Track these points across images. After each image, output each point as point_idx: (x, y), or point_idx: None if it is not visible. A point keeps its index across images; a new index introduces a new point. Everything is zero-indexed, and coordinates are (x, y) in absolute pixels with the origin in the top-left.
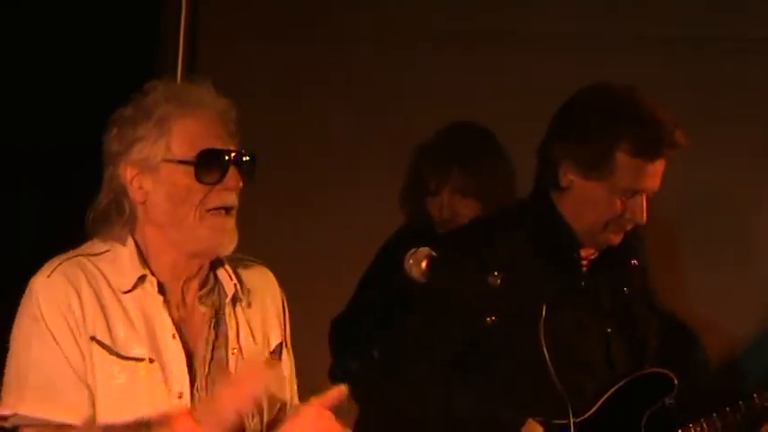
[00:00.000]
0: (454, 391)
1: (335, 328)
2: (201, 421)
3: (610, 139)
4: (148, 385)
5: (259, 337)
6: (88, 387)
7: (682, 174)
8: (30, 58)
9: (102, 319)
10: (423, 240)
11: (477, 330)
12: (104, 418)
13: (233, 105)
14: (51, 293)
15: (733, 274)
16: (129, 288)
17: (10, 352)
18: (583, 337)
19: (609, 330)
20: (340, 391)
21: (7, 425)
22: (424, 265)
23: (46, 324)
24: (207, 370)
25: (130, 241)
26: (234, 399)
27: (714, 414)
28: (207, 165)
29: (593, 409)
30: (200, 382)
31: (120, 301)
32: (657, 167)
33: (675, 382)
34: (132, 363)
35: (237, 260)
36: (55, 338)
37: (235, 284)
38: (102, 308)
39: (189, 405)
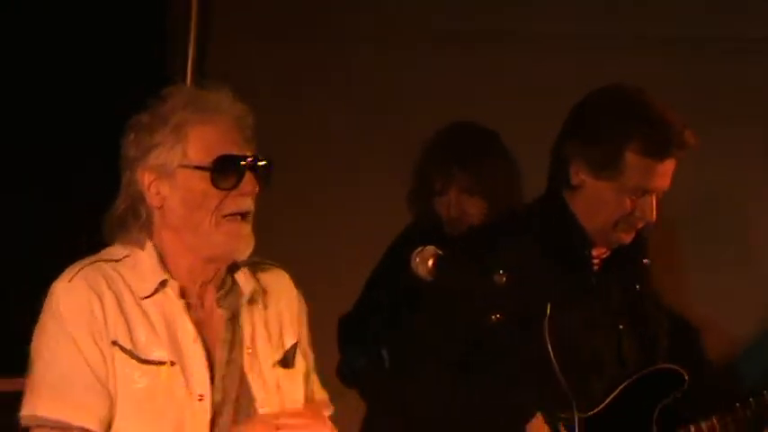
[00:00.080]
0: (459, 389)
1: (343, 327)
2: None
3: (620, 138)
4: (169, 388)
5: (275, 338)
6: (107, 390)
7: (682, 173)
8: (30, 58)
9: (123, 324)
10: (430, 240)
11: (482, 328)
12: (126, 421)
13: (249, 111)
14: (72, 298)
15: (733, 274)
16: (151, 293)
17: (31, 356)
18: (592, 337)
19: (621, 327)
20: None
21: (22, 423)
22: (430, 263)
23: (66, 327)
24: (224, 371)
25: (149, 245)
26: None
27: (724, 410)
28: (223, 170)
29: (603, 405)
30: (217, 383)
31: (140, 305)
32: (667, 167)
33: (686, 377)
34: (153, 366)
35: (254, 262)
36: (75, 341)
37: (252, 287)
38: (123, 312)
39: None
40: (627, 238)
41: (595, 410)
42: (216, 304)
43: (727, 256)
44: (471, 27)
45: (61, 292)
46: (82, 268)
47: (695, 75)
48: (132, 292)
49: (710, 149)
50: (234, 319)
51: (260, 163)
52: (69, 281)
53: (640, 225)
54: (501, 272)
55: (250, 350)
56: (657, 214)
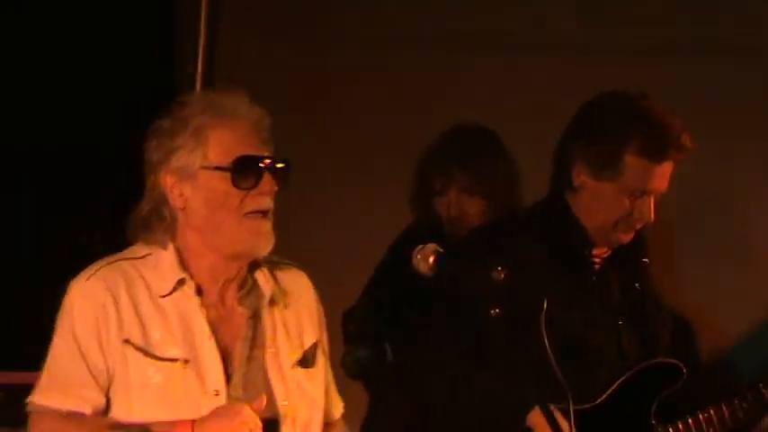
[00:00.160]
0: (479, 376)
1: (347, 320)
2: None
3: (619, 140)
4: (184, 384)
5: (294, 338)
6: (100, 386)
7: (681, 173)
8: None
9: (137, 323)
10: (431, 238)
11: (482, 323)
12: (142, 415)
13: (265, 114)
14: (85, 300)
15: (733, 274)
16: (169, 291)
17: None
18: (592, 336)
19: (620, 323)
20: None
21: (27, 408)
22: (431, 260)
23: (74, 328)
24: (245, 368)
25: (171, 246)
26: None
27: (721, 402)
28: (242, 171)
29: (602, 397)
30: (237, 380)
31: (158, 303)
32: (665, 169)
33: (684, 371)
34: (168, 363)
35: (274, 263)
36: (78, 342)
37: (272, 287)
38: (139, 313)
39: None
40: (626, 238)
41: (595, 402)
42: (237, 302)
43: (727, 256)
44: (471, 27)
45: (76, 292)
46: (101, 267)
47: (695, 75)
48: (151, 291)
49: (711, 149)
50: (255, 318)
51: (278, 165)
52: (87, 279)
53: (639, 226)
54: (499, 268)
55: (272, 350)
56: (657, 214)
